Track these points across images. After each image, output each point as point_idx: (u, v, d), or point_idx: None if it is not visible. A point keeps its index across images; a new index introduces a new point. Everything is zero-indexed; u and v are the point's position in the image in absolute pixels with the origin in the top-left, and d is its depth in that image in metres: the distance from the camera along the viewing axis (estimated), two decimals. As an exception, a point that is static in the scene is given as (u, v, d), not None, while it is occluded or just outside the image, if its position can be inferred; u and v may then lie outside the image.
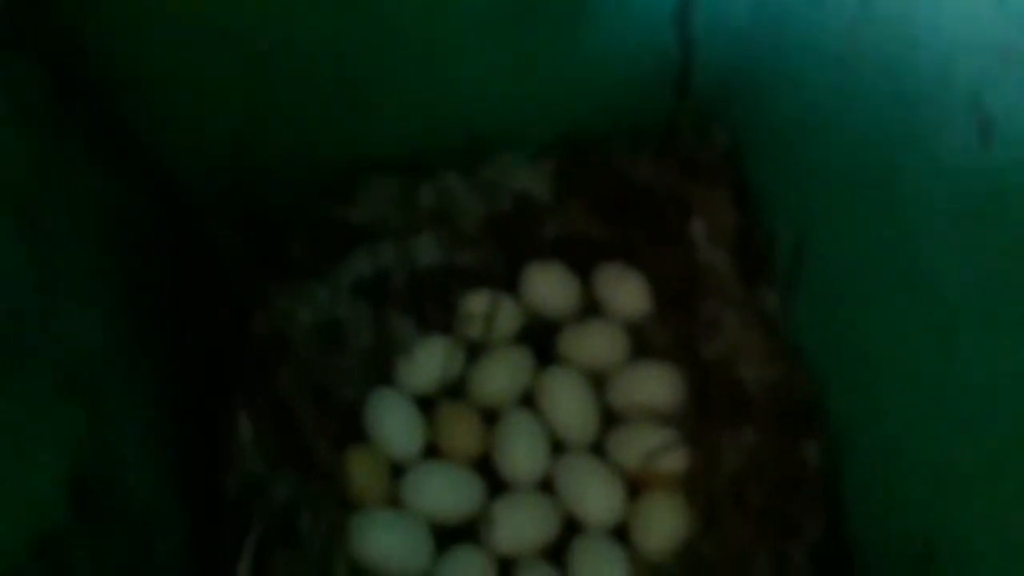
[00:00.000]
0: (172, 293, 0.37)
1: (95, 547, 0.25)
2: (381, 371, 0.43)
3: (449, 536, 0.39)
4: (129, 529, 0.28)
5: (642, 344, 0.44)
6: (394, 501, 0.40)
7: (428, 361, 0.43)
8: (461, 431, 0.42)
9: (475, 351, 0.44)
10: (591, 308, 0.46)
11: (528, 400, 0.44)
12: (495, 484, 0.41)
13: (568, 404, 0.43)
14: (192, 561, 0.33)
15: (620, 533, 0.40)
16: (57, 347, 0.25)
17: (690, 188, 0.44)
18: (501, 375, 0.43)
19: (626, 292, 0.45)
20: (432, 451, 0.42)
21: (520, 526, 0.39)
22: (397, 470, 0.41)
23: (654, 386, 0.43)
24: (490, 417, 0.43)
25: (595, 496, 0.40)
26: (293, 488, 0.37)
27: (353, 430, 0.41)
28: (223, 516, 0.35)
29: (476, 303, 0.44)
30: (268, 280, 0.41)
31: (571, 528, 0.40)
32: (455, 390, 0.43)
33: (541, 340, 0.45)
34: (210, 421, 0.37)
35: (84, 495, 0.25)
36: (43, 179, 0.26)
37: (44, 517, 0.23)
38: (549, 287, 0.46)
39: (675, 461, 0.40)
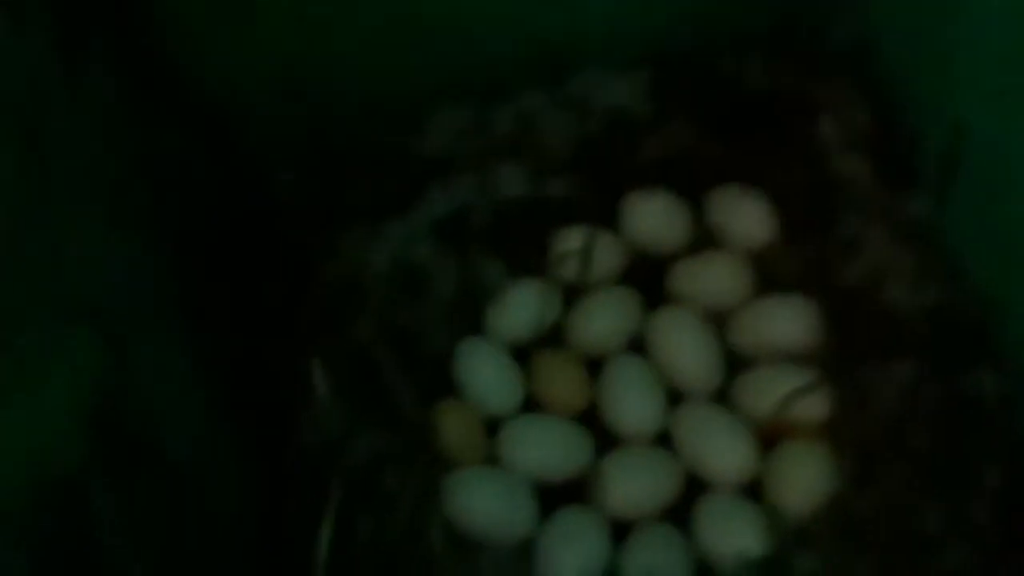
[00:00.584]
0: (225, 239, 0.34)
1: (122, 497, 0.22)
2: (468, 320, 0.39)
3: (553, 497, 0.35)
4: (167, 483, 0.26)
5: (768, 276, 0.40)
6: (491, 460, 0.36)
7: (520, 308, 0.40)
8: (562, 381, 0.39)
9: (572, 295, 0.40)
10: (704, 239, 0.41)
11: (636, 348, 0.39)
12: (604, 440, 0.37)
13: (685, 348, 0.38)
14: (259, 524, 0.30)
15: (752, 492, 0.35)
16: (64, 268, 0.23)
17: (812, 87, 0.38)
18: (603, 319, 0.40)
19: (746, 217, 0.41)
20: (530, 406, 0.38)
21: (634, 485, 0.35)
22: (492, 427, 0.37)
23: (785, 322, 0.38)
24: (593, 368, 0.39)
25: (721, 450, 0.35)
26: (377, 446, 0.34)
27: (441, 384, 0.38)
28: (297, 477, 0.32)
29: (570, 240, 0.40)
30: (336, 224, 0.38)
31: (694, 488, 0.35)
32: (552, 339, 0.40)
33: (647, 280, 0.41)
34: (280, 376, 0.34)
35: (109, 438, 0.22)
36: (46, 85, 0.24)
37: (60, 456, 0.21)
38: (654, 218, 0.41)
39: (816, 406, 0.36)
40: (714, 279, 0.40)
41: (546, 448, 0.37)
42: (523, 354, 0.39)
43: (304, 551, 0.32)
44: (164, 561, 0.25)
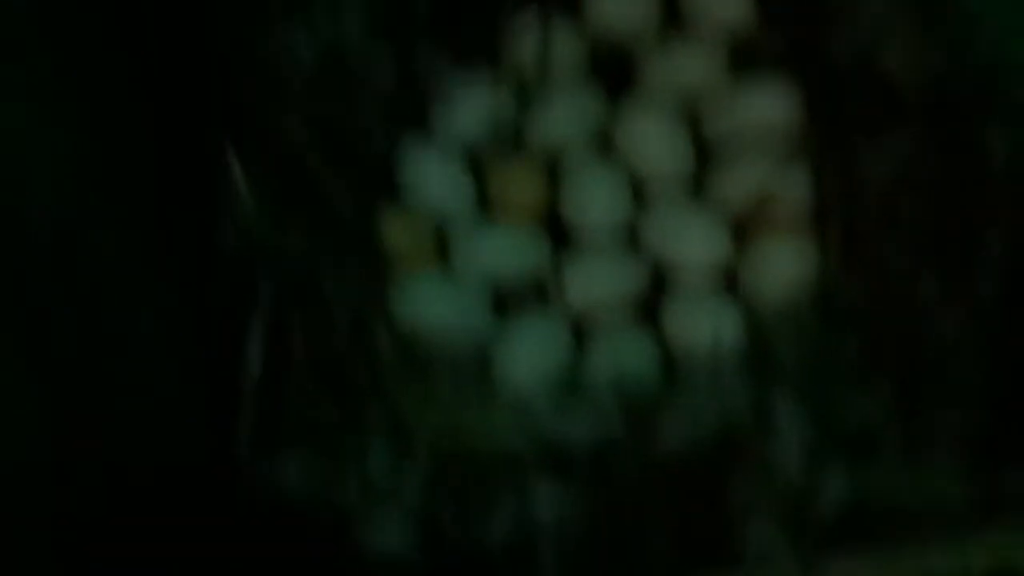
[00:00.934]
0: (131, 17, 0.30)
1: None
2: (412, 117, 0.36)
3: (510, 304, 0.32)
4: (53, 274, 0.22)
5: (748, 58, 0.36)
6: (440, 266, 0.33)
7: (470, 105, 0.36)
8: (519, 184, 0.36)
9: (528, 90, 0.36)
10: (676, 22, 0.37)
11: (601, 145, 0.36)
12: (565, 240, 0.34)
13: (653, 140, 0.36)
14: (177, 330, 0.27)
15: (727, 286, 0.32)
16: None
17: None
18: (564, 116, 0.36)
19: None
20: (484, 213, 0.35)
21: (597, 285, 0.32)
22: (441, 235, 0.34)
23: (765, 104, 0.35)
24: (555, 171, 0.35)
25: (692, 242, 0.33)
26: (311, 247, 0.30)
27: (383, 188, 0.34)
28: (222, 280, 0.29)
29: (526, 26, 0.36)
30: (256, 10, 0.34)
31: (665, 286, 0.33)
32: (507, 139, 0.36)
33: (613, 71, 0.37)
34: (198, 172, 0.31)
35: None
36: None
37: None
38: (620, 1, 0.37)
39: (798, 191, 0.32)
40: (686, 65, 0.36)
41: (501, 253, 0.34)
42: (475, 156, 0.36)
43: (235, 362, 0.30)
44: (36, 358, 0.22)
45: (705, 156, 0.35)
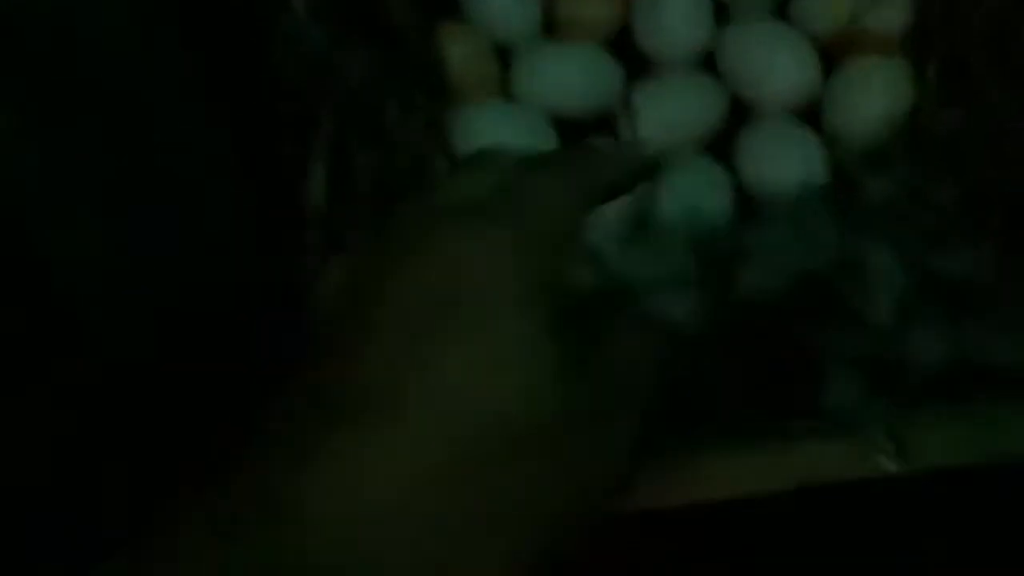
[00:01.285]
0: None
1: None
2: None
3: (578, 134, 0.31)
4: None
5: None
6: (504, 94, 0.32)
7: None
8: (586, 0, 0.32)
9: None
10: None
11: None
12: (637, 67, 0.32)
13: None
14: (241, 165, 0.26)
15: (811, 118, 0.30)
16: None
17: None
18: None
19: None
20: (550, 30, 0.33)
21: (670, 114, 0.31)
22: (504, 55, 0.32)
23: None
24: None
25: (777, 69, 0.31)
26: (372, 66, 0.29)
27: (440, 4, 0.32)
28: (279, 106, 0.28)
29: None
30: None
31: (743, 116, 0.31)
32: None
33: None
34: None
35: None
36: None
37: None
38: None
39: (893, 15, 0.30)
40: None
41: (569, 77, 0.32)
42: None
43: (297, 193, 0.29)
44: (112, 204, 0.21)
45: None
